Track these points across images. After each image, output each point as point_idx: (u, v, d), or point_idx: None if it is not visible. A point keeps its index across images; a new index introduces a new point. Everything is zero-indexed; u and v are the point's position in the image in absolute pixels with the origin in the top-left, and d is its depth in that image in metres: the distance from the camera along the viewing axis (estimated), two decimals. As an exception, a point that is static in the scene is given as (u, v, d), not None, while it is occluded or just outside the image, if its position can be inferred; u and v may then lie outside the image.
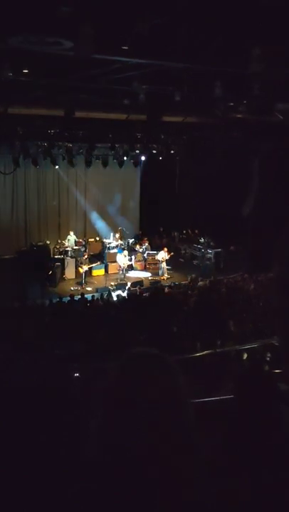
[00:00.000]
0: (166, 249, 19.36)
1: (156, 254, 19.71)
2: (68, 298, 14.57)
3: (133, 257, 19.84)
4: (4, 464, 1.30)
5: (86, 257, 18.55)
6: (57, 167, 19.28)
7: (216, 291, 14.83)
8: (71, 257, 18.87)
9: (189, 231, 22.46)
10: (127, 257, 18.71)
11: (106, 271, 19.20)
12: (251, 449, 1.52)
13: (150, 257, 20.27)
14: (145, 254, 20.42)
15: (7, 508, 1.25)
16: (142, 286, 17.48)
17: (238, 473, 1.45)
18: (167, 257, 19.18)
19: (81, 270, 17.84)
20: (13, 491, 1.27)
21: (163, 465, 1.08)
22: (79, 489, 1.14)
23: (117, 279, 18.38)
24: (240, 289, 15.16)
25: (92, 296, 15.17)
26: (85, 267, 17.91)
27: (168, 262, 19.47)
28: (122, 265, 18.51)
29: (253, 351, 7.89)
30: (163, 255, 19.12)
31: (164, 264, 19.14)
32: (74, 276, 18.38)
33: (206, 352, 8.52)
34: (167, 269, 19.42)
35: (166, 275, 18.99)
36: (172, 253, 19.52)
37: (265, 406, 1.64)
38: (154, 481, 1.07)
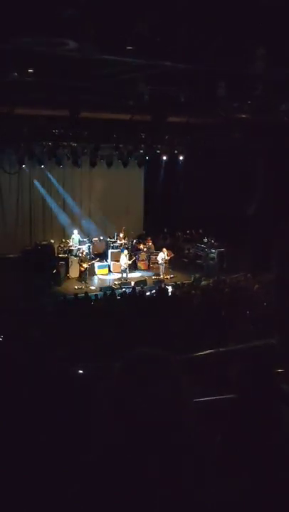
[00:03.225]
0: (164, 249, 19.37)
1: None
2: (72, 297, 14.60)
3: (135, 256, 19.88)
4: (5, 463, 1.31)
5: (84, 254, 18.63)
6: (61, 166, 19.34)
7: (219, 290, 14.80)
8: (75, 256, 18.94)
9: (193, 231, 22.43)
10: (128, 257, 18.73)
11: (110, 270, 19.24)
12: (251, 449, 1.52)
13: (154, 257, 20.29)
14: (149, 254, 20.45)
15: (7, 508, 1.25)
16: (146, 285, 17.50)
17: (238, 473, 1.45)
18: (167, 257, 19.18)
19: (82, 268, 17.95)
20: (13, 491, 1.27)
21: (163, 465, 1.09)
22: (79, 489, 1.14)
23: (120, 278, 18.41)
24: (244, 288, 15.12)
25: (96, 295, 15.19)
26: (85, 265, 18.01)
27: (170, 261, 19.50)
28: (124, 264, 18.53)
29: (255, 351, 7.85)
30: (162, 256, 19.13)
31: (163, 265, 19.15)
32: (78, 275, 18.44)
33: (208, 351, 8.50)
34: (168, 267, 19.42)
35: (163, 275, 18.98)
36: (172, 254, 19.51)
37: (266, 406, 1.64)
38: (154, 481, 1.07)
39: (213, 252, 19.93)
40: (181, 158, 20.52)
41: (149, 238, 21.40)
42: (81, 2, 5.72)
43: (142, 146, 19.13)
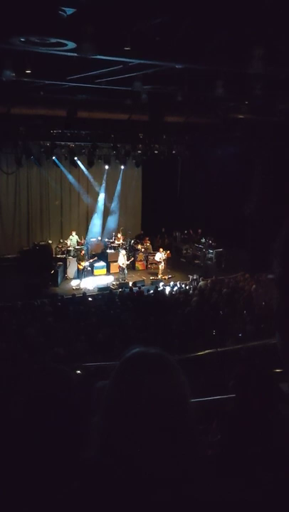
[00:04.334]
0: (161, 249, 19.37)
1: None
2: (70, 297, 14.60)
3: (133, 257, 19.89)
4: (4, 462, 1.30)
5: (83, 253, 18.64)
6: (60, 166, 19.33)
7: (218, 291, 14.81)
8: (73, 256, 18.95)
9: (191, 231, 22.46)
10: (126, 257, 18.74)
11: (108, 270, 19.24)
12: (251, 449, 1.51)
13: (151, 257, 20.30)
14: (146, 254, 20.45)
15: (7, 508, 1.25)
16: (144, 285, 17.49)
17: (238, 473, 1.45)
18: (164, 256, 19.19)
19: (80, 267, 17.96)
20: (12, 490, 1.27)
21: (163, 465, 1.08)
22: (78, 489, 1.14)
23: (118, 278, 18.41)
24: (242, 288, 15.14)
25: (94, 296, 15.17)
26: (83, 263, 18.03)
27: (168, 261, 19.49)
28: (122, 265, 18.55)
29: (254, 351, 7.88)
30: (160, 256, 19.14)
31: (162, 264, 19.17)
32: (76, 274, 18.44)
33: (207, 351, 8.52)
34: (166, 267, 19.44)
35: (161, 275, 18.99)
36: (168, 251, 19.51)
37: (265, 406, 1.64)
38: (154, 481, 1.07)
39: (211, 253, 19.96)
40: (178, 157, 20.54)
41: (147, 238, 21.40)
42: (81, 2, 5.72)
43: (140, 145, 19.14)
